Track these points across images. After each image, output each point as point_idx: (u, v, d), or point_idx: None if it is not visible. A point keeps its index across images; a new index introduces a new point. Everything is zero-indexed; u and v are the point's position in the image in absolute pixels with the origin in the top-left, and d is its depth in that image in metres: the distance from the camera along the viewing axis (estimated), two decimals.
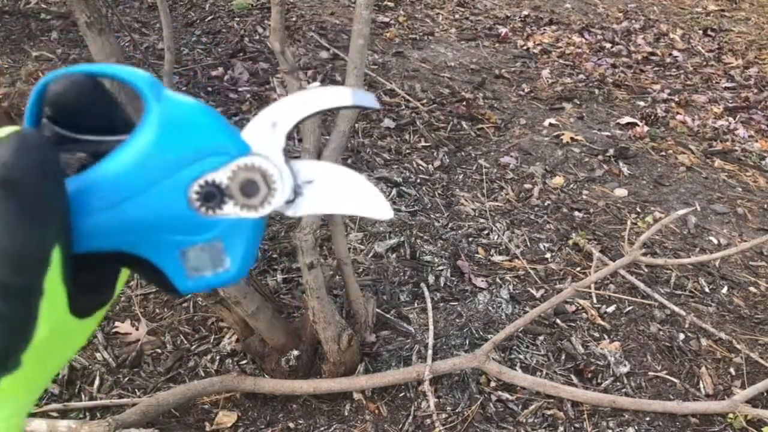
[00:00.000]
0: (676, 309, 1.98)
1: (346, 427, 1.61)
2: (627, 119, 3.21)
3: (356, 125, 2.78)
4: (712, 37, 4.42)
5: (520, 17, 4.40)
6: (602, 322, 1.98)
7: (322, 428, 1.61)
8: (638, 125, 3.15)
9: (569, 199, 2.56)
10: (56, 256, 0.24)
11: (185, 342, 1.81)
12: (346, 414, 1.64)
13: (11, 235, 0.22)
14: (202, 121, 0.27)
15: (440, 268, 2.11)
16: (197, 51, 3.35)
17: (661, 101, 3.46)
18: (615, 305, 2.05)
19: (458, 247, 2.22)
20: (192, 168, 0.27)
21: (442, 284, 2.06)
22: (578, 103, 3.37)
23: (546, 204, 2.51)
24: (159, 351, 1.78)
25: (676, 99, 3.49)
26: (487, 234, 2.32)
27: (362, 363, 1.72)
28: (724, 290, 2.18)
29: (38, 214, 0.23)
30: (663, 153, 2.97)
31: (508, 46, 3.95)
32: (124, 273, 0.31)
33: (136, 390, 1.67)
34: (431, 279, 2.07)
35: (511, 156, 2.80)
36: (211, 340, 1.82)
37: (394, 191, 2.46)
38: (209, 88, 3.01)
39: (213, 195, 0.27)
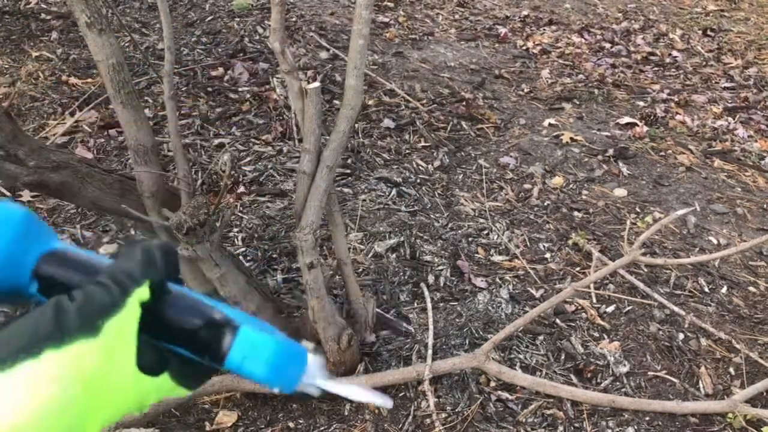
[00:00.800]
0: (676, 309, 1.98)
1: (346, 426, 1.61)
2: (626, 119, 3.21)
3: (356, 125, 2.79)
4: (712, 37, 4.42)
5: (519, 17, 4.40)
6: (602, 322, 1.98)
7: (322, 428, 1.61)
8: (638, 125, 3.15)
9: (569, 199, 2.57)
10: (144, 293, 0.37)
11: None
12: (346, 414, 1.65)
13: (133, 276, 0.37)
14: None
15: (440, 268, 2.12)
16: (197, 51, 3.35)
17: (661, 101, 3.47)
18: (614, 305, 2.05)
19: (458, 247, 2.22)
20: None
21: (442, 284, 2.06)
22: (578, 103, 3.37)
23: (546, 204, 2.51)
24: None
25: (676, 99, 3.49)
26: (487, 234, 2.32)
27: (362, 363, 1.72)
28: (724, 290, 2.18)
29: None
30: (662, 153, 2.97)
31: (508, 46, 3.96)
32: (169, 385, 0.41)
33: None
34: (431, 279, 2.07)
35: (511, 156, 2.80)
36: None
37: (394, 191, 2.46)
38: (209, 88, 3.02)
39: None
